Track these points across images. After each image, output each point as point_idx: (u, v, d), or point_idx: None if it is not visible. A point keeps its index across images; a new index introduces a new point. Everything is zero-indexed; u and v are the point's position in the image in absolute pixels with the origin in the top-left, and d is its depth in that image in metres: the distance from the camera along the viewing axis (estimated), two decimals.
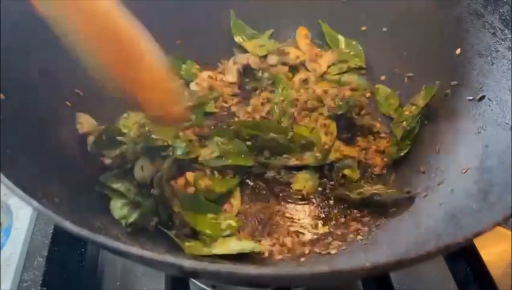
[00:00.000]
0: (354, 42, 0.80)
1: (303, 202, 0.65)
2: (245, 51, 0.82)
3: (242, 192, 0.65)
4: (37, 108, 0.56)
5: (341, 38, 0.81)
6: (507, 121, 0.53)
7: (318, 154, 0.66)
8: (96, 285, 0.63)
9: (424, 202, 0.58)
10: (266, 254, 0.58)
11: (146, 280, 0.65)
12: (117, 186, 0.58)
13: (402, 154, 0.67)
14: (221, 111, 0.76)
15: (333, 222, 0.62)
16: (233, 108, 0.76)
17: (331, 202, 0.65)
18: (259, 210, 0.64)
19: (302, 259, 0.57)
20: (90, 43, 0.39)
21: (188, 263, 0.31)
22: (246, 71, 0.80)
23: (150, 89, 0.42)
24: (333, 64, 0.79)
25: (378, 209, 0.63)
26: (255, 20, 0.84)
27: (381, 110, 0.75)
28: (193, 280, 0.61)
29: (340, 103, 0.70)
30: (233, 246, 0.55)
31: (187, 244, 0.55)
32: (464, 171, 0.55)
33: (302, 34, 0.82)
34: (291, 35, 0.85)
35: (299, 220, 0.63)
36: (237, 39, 0.82)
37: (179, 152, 0.62)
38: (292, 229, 0.61)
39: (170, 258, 0.33)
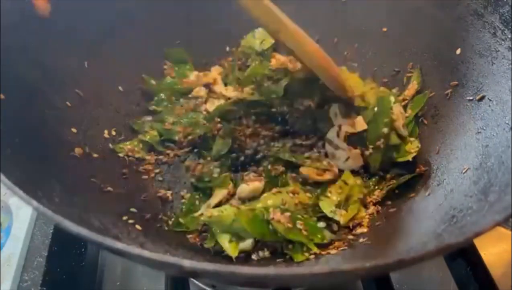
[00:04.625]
0: None
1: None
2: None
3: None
4: (37, 108, 0.56)
5: None
6: (507, 122, 0.53)
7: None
8: (96, 285, 0.63)
9: (424, 202, 0.58)
10: (267, 254, 0.59)
11: (146, 280, 0.66)
12: None
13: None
14: None
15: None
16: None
17: None
18: None
19: (302, 259, 0.57)
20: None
21: (187, 263, 0.31)
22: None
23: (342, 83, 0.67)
24: None
25: (378, 209, 0.63)
26: (254, 20, 0.83)
27: None
28: (193, 280, 0.61)
29: None
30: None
31: None
32: (464, 171, 0.55)
33: None
34: None
35: None
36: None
37: None
38: None
39: (170, 258, 0.33)
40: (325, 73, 0.64)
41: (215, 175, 0.66)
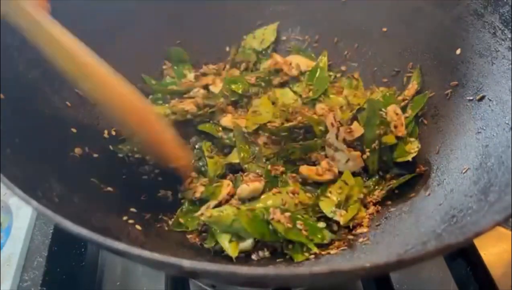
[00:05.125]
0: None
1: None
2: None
3: None
4: (37, 108, 0.56)
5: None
6: (507, 122, 0.53)
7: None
8: (96, 285, 0.63)
9: (424, 202, 0.58)
10: (267, 254, 0.59)
11: (146, 280, 0.66)
12: None
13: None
14: None
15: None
16: None
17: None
18: None
19: (302, 259, 0.57)
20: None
21: (187, 263, 0.31)
22: None
23: (168, 150, 0.59)
24: None
25: (378, 209, 0.63)
26: (254, 20, 0.84)
27: None
28: (193, 280, 0.61)
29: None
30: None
31: None
32: (464, 171, 0.55)
33: None
34: (292, 35, 0.85)
35: None
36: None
37: None
38: None
39: (170, 258, 0.33)
40: (138, 128, 0.51)
41: (197, 195, 0.64)
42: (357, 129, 0.66)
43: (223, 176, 0.67)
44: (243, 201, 0.63)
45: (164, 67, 0.80)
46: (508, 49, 0.56)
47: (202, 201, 0.64)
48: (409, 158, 0.65)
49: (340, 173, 0.65)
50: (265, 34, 0.83)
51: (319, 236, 0.59)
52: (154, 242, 0.55)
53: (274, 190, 0.63)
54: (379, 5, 0.75)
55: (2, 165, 0.40)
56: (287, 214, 0.58)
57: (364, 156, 0.65)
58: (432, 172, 0.62)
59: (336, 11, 0.80)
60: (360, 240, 0.58)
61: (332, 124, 0.66)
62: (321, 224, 0.60)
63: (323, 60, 0.80)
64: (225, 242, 0.58)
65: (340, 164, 0.66)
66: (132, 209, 0.60)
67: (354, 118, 0.69)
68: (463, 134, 0.60)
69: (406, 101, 0.70)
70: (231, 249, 0.57)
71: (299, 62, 0.79)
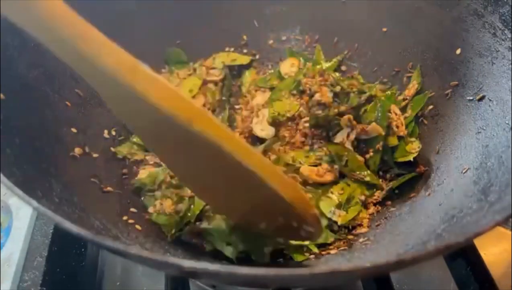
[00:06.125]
0: None
1: None
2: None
3: None
4: (37, 108, 0.56)
5: None
6: (507, 122, 0.53)
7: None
8: (96, 285, 0.63)
9: (424, 202, 0.58)
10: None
11: (146, 280, 0.66)
12: None
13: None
14: None
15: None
16: None
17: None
18: None
19: (302, 259, 0.57)
20: None
21: (187, 263, 0.31)
22: None
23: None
24: None
25: (378, 209, 0.63)
26: (254, 20, 0.84)
27: None
28: (193, 280, 0.61)
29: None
30: None
31: None
32: (464, 171, 0.55)
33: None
34: (292, 35, 0.85)
35: None
36: None
37: None
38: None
39: (170, 258, 0.33)
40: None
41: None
42: (375, 129, 0.65)
43: None
44: None
45: (163, 70, 0.80)
46: (508, 49, 0.56)
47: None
48: (410, 158, 0.65)
49: (341, 174, 0.65)
50: (239, 59, 0.83)
51: None
52: (154, 242, 0.55)
53: None
54: (379, 5, 0.75)
55: (2, 165, 0.40)
56: None
57: (367, 156, 0.65)
58: (432, 172, 0.62)
59: (336, 11, 0.80)
60: (360, 240, 0.58)
61: (347, 125, 0.66)
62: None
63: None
64: (223, 245, 0.58)
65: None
66: (132, 209, 0.60)
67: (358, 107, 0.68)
68: (463, 134, 0.60)
69: (406, 101, 0.70)
70: (230, 252, 0.57)
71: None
